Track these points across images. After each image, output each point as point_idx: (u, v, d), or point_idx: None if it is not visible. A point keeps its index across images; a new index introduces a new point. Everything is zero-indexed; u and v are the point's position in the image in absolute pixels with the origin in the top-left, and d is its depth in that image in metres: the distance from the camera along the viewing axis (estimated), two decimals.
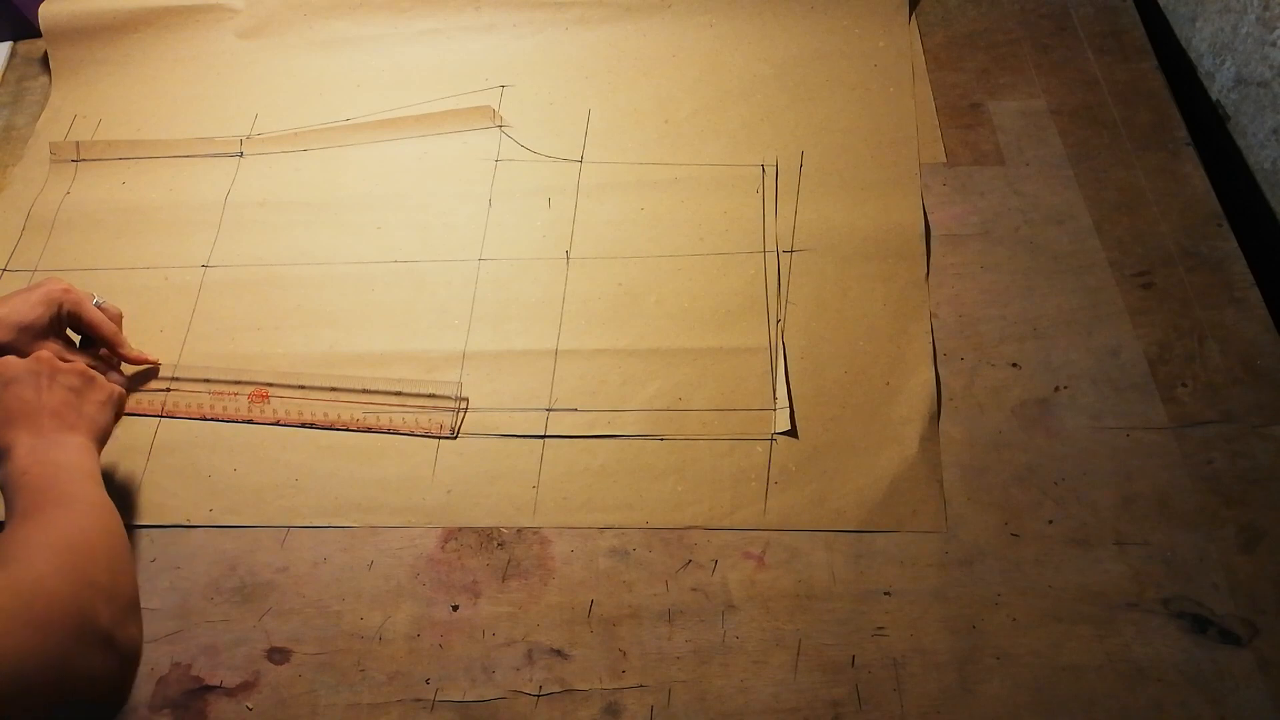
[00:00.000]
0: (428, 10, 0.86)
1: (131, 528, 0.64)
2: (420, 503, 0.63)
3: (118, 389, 0.60)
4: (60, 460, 0.52)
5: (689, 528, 0.60)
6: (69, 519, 0.48)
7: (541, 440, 0.64)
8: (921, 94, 0.75)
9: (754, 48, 0.80)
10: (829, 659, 0.55)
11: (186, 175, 0.81)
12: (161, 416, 0.68)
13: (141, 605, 0.60)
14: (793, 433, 0.62)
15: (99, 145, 0.83)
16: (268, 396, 0.67)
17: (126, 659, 0.45)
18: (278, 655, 0.59)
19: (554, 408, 0.65)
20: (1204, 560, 0.55)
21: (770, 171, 0.73)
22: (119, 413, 0.60)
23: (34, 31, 0.91)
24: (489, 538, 0.62)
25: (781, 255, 0.69)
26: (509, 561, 0.61)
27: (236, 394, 0.68)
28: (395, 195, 0.77)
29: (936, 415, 0.61)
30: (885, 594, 0.56)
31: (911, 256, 0.68)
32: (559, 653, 0.57)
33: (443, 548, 0.62)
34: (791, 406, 0.63)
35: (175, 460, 0.67)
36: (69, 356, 0.62)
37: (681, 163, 0.75)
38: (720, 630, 0.56)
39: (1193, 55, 0.77)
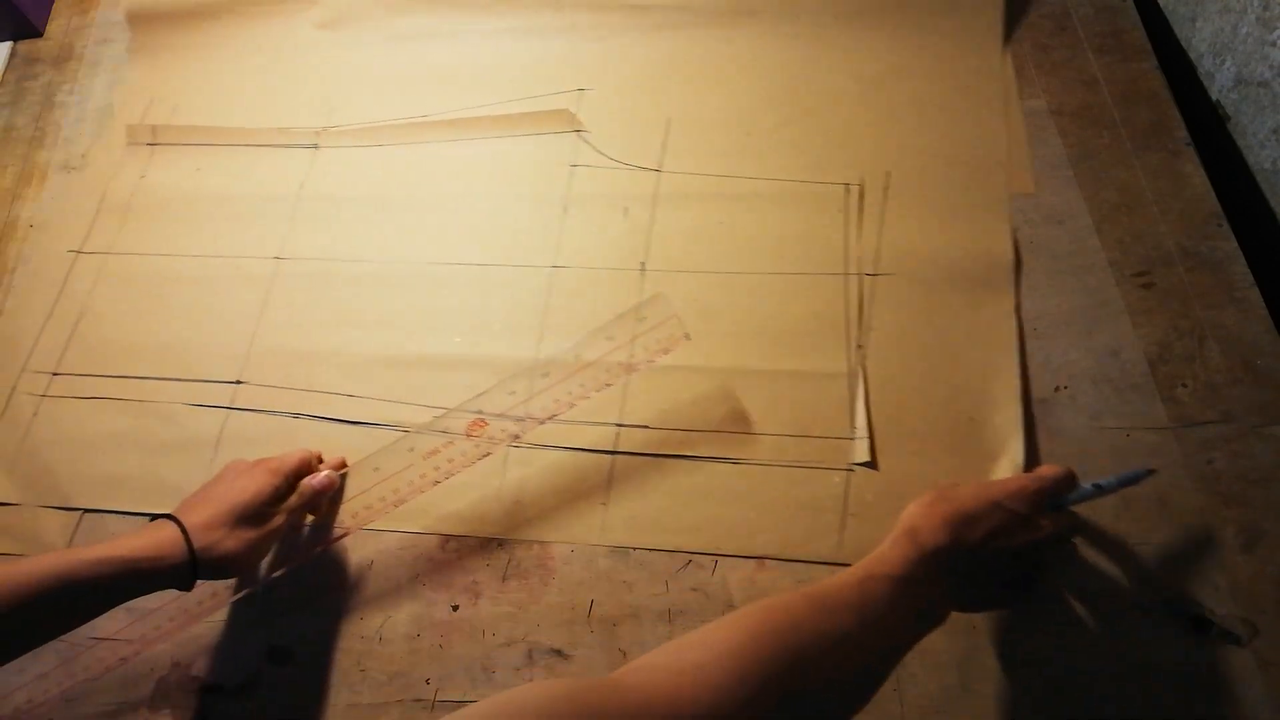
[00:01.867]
0: (508, 7, 0.85)
1: None
2: (489, 514, 0.62)
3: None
4: None
5: (762, 558, 0.58)
6: None
7: (611, 456, 0.63)
8: (1014, 120, 0.73)
9: (840, 62, 0.78)
10: None
11: (260, 164, 0.81)
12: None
13: (142, 605, 0.59)
14: (872, 464, 0.60)
15: (175, 130, 0.83)
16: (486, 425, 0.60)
17: None
18: (278, 655, 0.59)
19: (624, 424, 0.64)
20: (1204, 560, 0.55)
21: (854, 191, 0.71)
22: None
23: (34, 31, 0.92)
24: (489, 537, 0.61)
25: (864, 278, 0.67)
26: (509, 561, 0.61)
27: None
28: (469, 196, 0.76)
29: (1023, 457, 0.59)
30: None
31: (1000, 287, 0.65)
32: (559, 653, 0.57)
33: (443, 548, 0.62)
34: (871, 437, 0.61)
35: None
36: None
37: (762, 177, 0.73)
38: None
39: (1193, 55, 0.75)
